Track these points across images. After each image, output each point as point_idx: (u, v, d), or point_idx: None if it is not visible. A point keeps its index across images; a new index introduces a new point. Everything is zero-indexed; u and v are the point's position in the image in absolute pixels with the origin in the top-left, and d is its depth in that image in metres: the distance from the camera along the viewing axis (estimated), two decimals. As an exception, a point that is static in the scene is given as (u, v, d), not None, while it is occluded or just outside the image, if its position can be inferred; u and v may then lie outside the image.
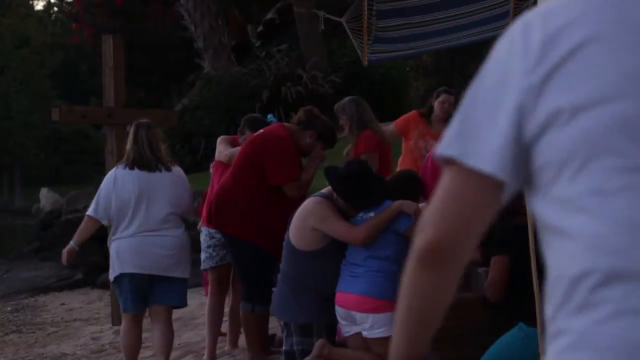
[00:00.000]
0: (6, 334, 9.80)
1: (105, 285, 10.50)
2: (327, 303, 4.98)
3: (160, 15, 25.94)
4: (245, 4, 23.78)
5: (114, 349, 7.89)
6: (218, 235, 6.43)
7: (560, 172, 1.41)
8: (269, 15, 21.96)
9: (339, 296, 4.92)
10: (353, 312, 4.85)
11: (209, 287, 6.85)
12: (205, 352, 6.82)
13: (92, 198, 6.40)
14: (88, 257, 11.68)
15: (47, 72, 46.07)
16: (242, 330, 6.58)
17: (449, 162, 1.48)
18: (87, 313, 10.59)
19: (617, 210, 1.36)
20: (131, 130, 6.25)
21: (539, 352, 4.01)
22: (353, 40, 11.56)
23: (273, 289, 5.54)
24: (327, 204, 5.13)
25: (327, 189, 5.27)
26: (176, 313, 9.50)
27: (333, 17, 14.28)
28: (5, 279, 14.03)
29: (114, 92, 8.98)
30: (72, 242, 6.33)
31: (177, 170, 6.32)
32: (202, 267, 6.84)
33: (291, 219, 5.27)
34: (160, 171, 6.12)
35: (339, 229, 5.03)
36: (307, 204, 5.24)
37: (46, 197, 17.92)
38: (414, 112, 7.78)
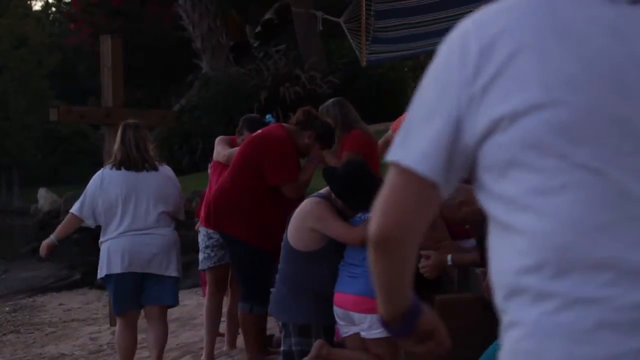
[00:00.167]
0: (4, 334, 9.80)
1: (103, 286, 10.49)
2: (326, 303, 4.98)
3: (159, 15, 25.93)
4: (244, 5, 23.78)
5: (112, 349, 7.89)
6: (216, 236, 6.42)
7: (504, 173, 1.51)
8: (267, 16, 21.97)
9: (337, 296, 4.92)
10: (351, 313, 4.85)
11: (207, 288, 6.84)
12: (204, 352, 6.82)
13: (90, 198, 6.42)
14: (86, 258, 11.70)
15: (45, 73, 46.03)
16: (240, 330, 6.58)
17: (394, 163, 1.58)
18: (85, 313, 10.59)
19: (561, 208, 1.45)
20: (119, 131, 6.30)
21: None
22: (351, 41, 11.57)
23: (271, 289, 5.53)
24: (325, 205, 5.13)
25: (325, 190, 5.27)
26: (174, 313, 9.51)
27: (331, 18, 14.27)
28: (4, 279, 14.03)
29: (112, 92, 8.98)
30: (52, 236, 6.38)
31: (165, 169, 6.36)
32: (200, 267, 6.84)
33: (289, 219, 5.27)
34: (148, 171, 6.17)
35: (337, 229, 5.03)
36: (305, 204, 5.24)
37: (44, 198, 17.91)
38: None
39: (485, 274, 4.82)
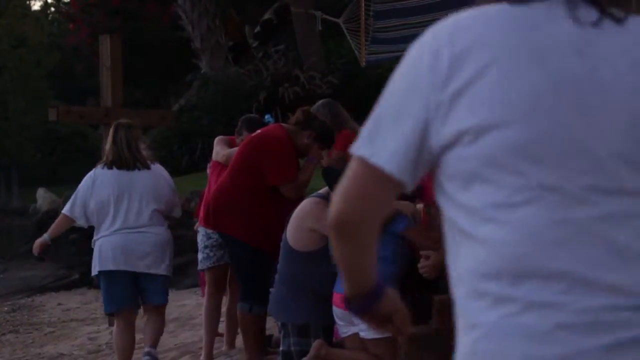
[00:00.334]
0: (3, 334, 9.80)
1: (101, 286, 10.50)
2: (325, 304, 4.98)
3: (158, 15, 25.92)
4: (243, 5, 23.76)
5: (111, 349, 7.88)
6: (215, 236, 6.43)
7: (466, 185, 1.59)
8: (267, 16, 21.96)
9: (337, 297, 4.92)
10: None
11: (206, 288, 6.85)
12: (203, 352, 6.82)
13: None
14: (85, 257, 11.68)
15: (44, 73, 45.99)
16: (239, 330, 6.58)
17: (359, 157, 1.64)
18: (83, 313, 10.59)
19: (520, 223, 1.54)
20: (111, 131, 6.35)
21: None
22: (350, 41, 11.56)
23: (270, 289, 5.53)
24: (324, 205, 5.13)
25: (324, 190, 5.27)
26: (173, 313, 9.50)
27: (330, 18, 14.27)
28: (2, 279, 14.04)
29: (111, 92, 8.98)
30: (45, 235, 6.48)
31: (157, 167, 6.41)
32: (200, 267, 6.84)
33: (289, 219, 5.27)
34: (140, 169, 6.21)
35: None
36: (305, 204, 5.24)
37: (43, 197, 17.91)
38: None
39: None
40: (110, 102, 8.98)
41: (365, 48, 9.60)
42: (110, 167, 6.21)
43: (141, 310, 6.55)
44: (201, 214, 6.71)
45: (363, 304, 1.82)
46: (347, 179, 1.66)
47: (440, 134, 1.59)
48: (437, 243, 4.72)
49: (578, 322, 1.50)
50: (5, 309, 11.65)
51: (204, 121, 18.64)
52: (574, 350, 1.49)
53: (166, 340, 8.15)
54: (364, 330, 4.80)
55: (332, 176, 5.19)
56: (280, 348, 5.29)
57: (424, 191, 5.16)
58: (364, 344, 4.88)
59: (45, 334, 9.51)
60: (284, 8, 20.37)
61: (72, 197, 6.35)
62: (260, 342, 6.17)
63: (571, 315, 1.50)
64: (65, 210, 6.38)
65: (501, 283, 1.54)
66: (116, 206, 6.18)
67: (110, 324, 8.43)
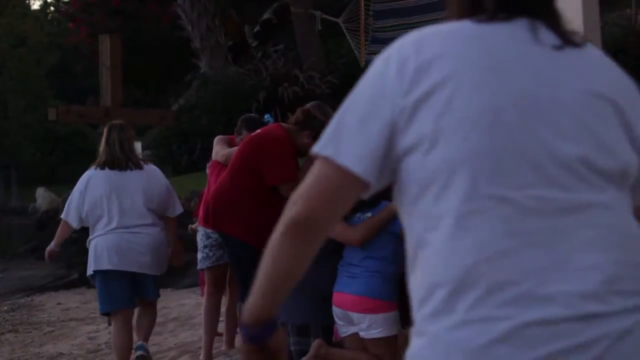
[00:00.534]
0: (2, 333, 9.79)
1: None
2: (324, 303, 4.98)
3: (158, 15, 25.92)
4: (242, 4, 23.77)
5: (110, 348, 7.88)
6: (215, 235, 6.43)
7: (423, 192, 1.65)
8: (266, 16, 21.96)
9: (336, 296, 4.92)
10: (350, 313, 4.85)
11: (206, 287, 6.85)
12: (202, 352, 6.83)
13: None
14: (84, 257, 11.67)
15: (44, 72, 46.00)
16: (238, 330, 6.58)
17: (324, 157, 1.70)
18: (83, 313, 10.59)
19: (468, 232, 1.59)
20: (104, 132, 6.41)
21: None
22: (350, 41, 11.58)
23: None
24: (324, 204, 5.13)
25: (324, 189, 5.27)
26: (173, 313, 9.51)
27: (330, 18, 14.27)
28: (2, 279, 14.03)
29: (111, 91, 8.99)
30: (52, 244, 6.57)
31: (150, 167, 6.46)
32: (199, 267, 6.85)
33: (288, 219, 5.26)
34: (132, 169, 6.25)
35: (335, 229, 5.03)
36: (305, 204, 5.24)
37: (42, 197, 17.93)
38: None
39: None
40: (109, 101, 8.98)
41: (364, 48, 9.60)
42: (102, 168, 6.28)
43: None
44: (200, 213, 6.71)
45: (263, 332, 1.81)
46: (313, 178, 1.71)
47: (403, 139, 1.66)
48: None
49: (513, 336, 1.54)
50: (5, 308, 11.65)
51: (204, 121, 18.65)
52: None
53: (166, 339, 8.15)
54: (364, 330, 4.81)
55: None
56: (280, 348, 5.29)
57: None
58: (364, 343, 4.88)
59: (45, 334, 9.51)
60: (284, 8, 20.38)
61: (68, 201, 6.43)
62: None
63: (507, 329, 1.54)
64: (63, 215, 6.47)
65: (445, 293, 1.59)
66: (109, 206, 6.23)
67: (110, 324, 8.44)
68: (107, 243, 6.19)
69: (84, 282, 12.65)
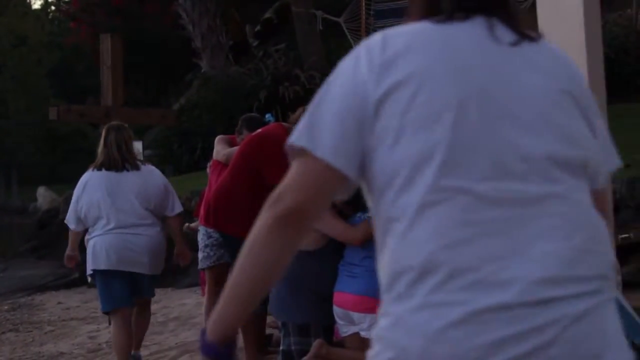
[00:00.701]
0: (3, 332, 9.79)
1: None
2: (325, 303, 4.98)
3: (158, 14, 25.90)
4: (244, 4, 23.76)
5: (111, 347, 7.89)
6: (215, 235, 6.43)
7: (389, 184, 1.73)
8: (267, 15, 21.96)
9: (337, 296, 4.92)
10: (351, 312, 4.85)
11: (206, 287, 6.85)
12: (203, 351, 6.82)
13: (88, 197, 6.52)
14: (85, 256, 11.68)
15: (44, 71, 45.96)
16: (239, 329, 6.58)
17: (301, 151, 1.77)
18: (84, 312, 10.59)
19: (429, 221, 1.69)
20: (102, 133, 6.46)
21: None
22: (351, 41, 11.57)
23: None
24: (325, 204, 5.13)
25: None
26: (173, 312, 9.52)
27: (331, 17, 14.27)
28: (2, 278, 14.02)
29: (111, 91, 9.00)
30: (67, 249, 6.60)
31: (147, 167, 6.49)
32: (200, 266, 6.85)
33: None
34: (128, 170, 6.27)
35: (336, 228, 5.03)
36: (305, 203, 5.24)
37: (43, 196, 17.91)
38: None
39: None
40: (110, 101, 9.00)
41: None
42: (99, 169, 6.32)
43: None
44: (201, 213, 6.71)
45: (227, 351, 1.86)
46: (294, 175, 1.78)
47: (371, 133, 1.74)
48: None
49: (468, 320, 1.63)
50: (5, 307, 11.65)
51: (205, 120, 18.63)
52: (463, 348, 1.62)
53: (166, 339, 8.16)
54: (365, 330, 4.81)
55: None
56: (281, 347, 5.29)
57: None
58: (365, 343, 4.88)
59: (45, 333, 9.51)
60: (285, 7, 20.37)
61: (70, 205, 6.50)
62: (260, 341, 6.17)
63: (463, 313, 1.63)
64: (66, 220, 6.51)
65: (408, 279, 1.68)
66: (106, 207, 6.26)
67: (110, 323, 8.44)
68: (105, 243, 6.22)
69: (84, 281, 12.62)
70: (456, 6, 1.85)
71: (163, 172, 6.81)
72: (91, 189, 6.30)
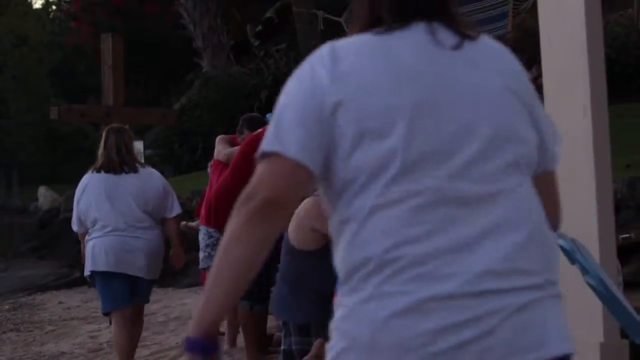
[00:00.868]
0: (4, 332, 9.79)
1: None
2: (326, 303, 4.97)
3: (159, 14, 25.90)
4: (245, 4, 23.76)
5: (112, 347, 7.89)
6: (217, 235, 6.43)
7: (345, 189, 1.84)
8: (268, 15, 21.96)
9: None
10: (351, 312, 4.85)
11: (207, 286, 6.84)
12: (203, 351, 6.81)
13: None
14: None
15: (45, 71, 45.97)
16: (240, 329, 6.58)
17: (271, 154, 1.84)
18: (85, 311, 10.58)
19: (380, 222, 1.79)
20: (103, 136, 6.48)
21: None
22: (352, 40, 11.53)
23: (272, 288, 5.54)
24: (325, 204, 5.13)
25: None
26: (174, 312, 9.52)
27: (332, 17, 14.26)
28: (3, 278, 14.02)
29: (112, 91, 9.00)
30: (83, 249, 6.54)
31: (147, 170, 6.48)
32: (201, 266, 6.85)
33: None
34: (127, 173, 6.27)
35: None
36: (306, 203, 5.24)
37: (44, 196, 17.91)
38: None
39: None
40: (111, 100, 9.00)
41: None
42: (99, 172, 6.33)
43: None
44: (202, 212, 6.71)
45: (211, 344, 1.88)
46: (263, 174, 1.84)
47: (331, 134, 1.83)
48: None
49: (412, 309, 1.74)
50: (6, 307, 11.65)
51: (205, 120, 18.63)
52: (407, 336, 1.73)
53: (167, 338, 8.16)
54: (365, 330, 4.80)
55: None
56: (282, 347, 5.29)
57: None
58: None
59: (46, 333, 9.51)
60: (286, 7, 20.37)
61: (73, 207, 6.53)
62: (261, 341, 6.17)
63: (407, 303, 1.74)
64: (72, 222, 6.54)
65: (361, 274, 1.79)
66: (105, 210, 6.27)
67: (111, 323, 8.45)
68: (104, 245, 6.23)
69: (85, 281, 12.63)
70: (396, 15, 1.92)
71: (164, 172, 6.81)
72: (90, 192, 6.32)
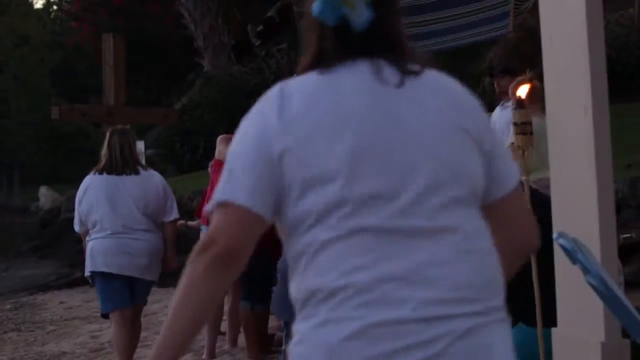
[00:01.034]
0: (5, 332, 9.80)
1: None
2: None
3: (160, 14, 25.89)
4: (245, 4, 23.76)
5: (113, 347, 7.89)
6: (218, 234, 6.43)
7: (297, 226, 1.93)
8: (269, 14, 21.95)
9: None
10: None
11: (209, 286, 6.85)
12: (205, 350, 6.84)
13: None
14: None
15: (47, 71, 45.98)
16: (241, 329, 6.59)
17: (224, 202, 1.93)
18: (86, 311, 10.59)
19: (331, 254, 1.89)
20: (106, 137, 6.49)
21: (538, 353, 4.01)
22: (353, 40, 11.51)
23: (272, 288, 5.54)
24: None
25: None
26: (175, 312, 9.50)
27: (333, 17, 14.21)
28: (4, 277, 14.03)
29: (114, 90, 9.00)
30: (84, 248, 6.57)
31: (148, 172, 6.48)
32: (202, 266, 6.84)
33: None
34: (128, 174, 6.28)
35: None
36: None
37: (45, 196, 17.95)
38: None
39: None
40: (112, 100, 9.00)
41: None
42: (101, 173, 6.35)
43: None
44: (203, 212, 6.71)
45: None
46: (219, 223, 1.93)
47: (280, 183, 1.92)
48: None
49: (364, 333, 1.83)
50: (8, 307, 11.65)
51: (207, 120, 18.65)
52: (361, 356, 1.83)
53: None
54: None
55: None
56: (283, 347, 5.30)
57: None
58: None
59: (48, 332, 9.51)
60: (287, 6, 20.36)
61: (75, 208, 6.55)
62: (262, 341, 6.17)
63: (358, 327, 1.83)
64: (74, 223, 6.58)
65: (314, 302, 1.90)
66: (105, 211, 6.29)
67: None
68: (103, 246, 6.26)
69: (86, 280, 12.62)
70: (341, 53, 1.98)
71: (165, 171, 6.83)
72: (92, 193, 6.33)
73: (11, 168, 47.36)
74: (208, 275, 1.92)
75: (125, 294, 6.33)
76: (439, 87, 2.01)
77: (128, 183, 6.32)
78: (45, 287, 12.93)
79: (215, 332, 6.82)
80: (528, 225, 2.11)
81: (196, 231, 7.40)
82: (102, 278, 6.32)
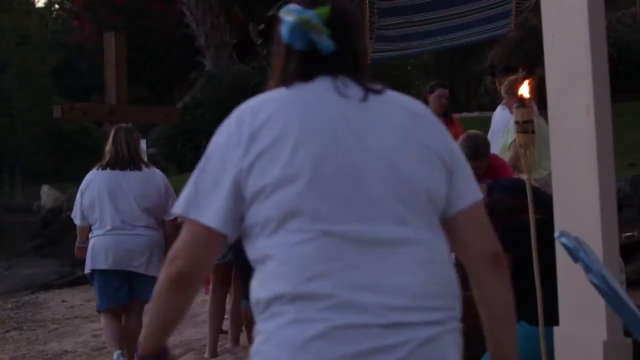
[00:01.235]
0: (7, 331, 9.80)
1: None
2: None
3: (162, 13, 25.90)
4: (247, 2, 23.77)
5: (115, 346, 7.89)
6: (219, 233, 6.43)
7: (261, 231, 2.02)
8: (271, 13, 21.96)
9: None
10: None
11: (211, 285, 6.86)
12: (207, 349, 6.84)
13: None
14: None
15: (48, 70, 45.99)
16: (243, 328, 6.59)
17: (189, 219, 2.06)
18: (88, 310, 10.58)
19: (294, 258, 1.97)
20: (111, 134, 6.50)
21: (540, 351, 4.01)
22: (355, 39, 11.51)
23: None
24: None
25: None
26: (177, 310, 9.51)
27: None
28: (6, 276, 14.04)
29: (115, 89, 8.99)
30: (77, 242, 6.63)
31: (150, 170, 6.50)
32: (203, 264, 6.84)
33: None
34: (131, 170, 6.30)
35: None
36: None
37: (47, 194, 17.95)
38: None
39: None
40: (114, 99, 8.99)
41: (370, 46, 9.58)
42: (104, 169, 6.36)
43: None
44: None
45: (159, 357, 2.21)
46: (185, 239, 2.06)
47: (246, 193, 2.02)
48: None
49: (328, 335, 1.91)
50: (9, 306, 11.66)
51: (208, 119, 18.64)
52: (326, 357, 1.90)
53: (170, 337, 8.16)
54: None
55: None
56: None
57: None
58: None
59: (49, 331, 9.52)
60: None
61: (75, 202, 6.54)
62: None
63: (323, 329, 1.91)
64: (72, 215, 6.61)
65: (280, 302, 1.96)
66: (106, 207, 6.31)
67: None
68: (104, 244, 6.27)
69: (88, 279, 12.64)
70: (307, 74, 2.09)
71: (167, 170, 6.84)
72: (94, 188, 6.35)
73: (13, 167, 47.39)
74: (169, 290, 2.08)
75: (124, 292, 6.35)
76: (400, 105, 2.13)
77: (130, 179, 6.33)
78: (47, 286, 12.93)
79: (217, 331, 6.83)
80: (488, 237, 2.16)
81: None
82: (102, 275, 6.34)
